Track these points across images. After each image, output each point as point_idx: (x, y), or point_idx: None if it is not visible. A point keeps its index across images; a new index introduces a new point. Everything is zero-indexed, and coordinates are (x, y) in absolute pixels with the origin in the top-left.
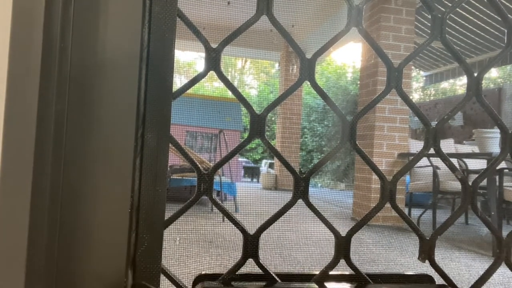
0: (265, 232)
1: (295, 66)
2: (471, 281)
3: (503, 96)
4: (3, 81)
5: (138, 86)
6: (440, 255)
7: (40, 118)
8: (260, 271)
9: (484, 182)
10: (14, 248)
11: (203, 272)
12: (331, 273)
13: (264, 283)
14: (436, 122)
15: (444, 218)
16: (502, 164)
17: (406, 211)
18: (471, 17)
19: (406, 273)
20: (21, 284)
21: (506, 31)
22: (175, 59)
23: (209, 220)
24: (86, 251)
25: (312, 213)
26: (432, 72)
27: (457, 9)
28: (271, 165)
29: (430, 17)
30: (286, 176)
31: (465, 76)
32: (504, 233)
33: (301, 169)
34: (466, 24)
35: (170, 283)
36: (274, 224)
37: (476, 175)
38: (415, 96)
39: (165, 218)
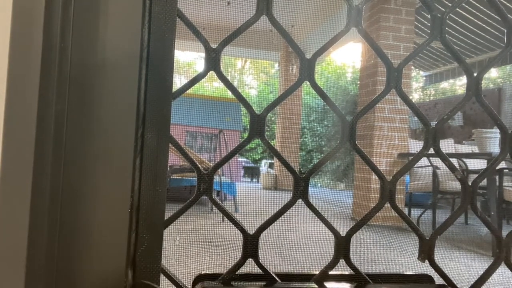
0: (264, 232)
1: (295, 66)
2: (470, 281)
3: (503, 96)
4: (3, 81)
5: (138, 86)
6: (439, 255)
7: (40, 118)
8: (260, 271)
9: (484, 182)
10: (14, 248)
11: (203, 272)
12: (330, 273)
13: (263, 283)
14: (436, 122)
15: (444, 218)
16: (502, 164)
17: (406, 211)
18: (471, 17)
19: (405, 273)
20: (21, 284)
21: (505, 31)
22: (175, 59)
23: (209, 220)
24: (86, 251)
25: (311, 213)
26: (432, 72)
27: (457, 9)
28: (271, 165)
29: (429, 17)
30: (286, 176)
31: (465, 76)
32: (504, 233)
33: (301, 169)
34: (466, 24)
35: (170, 283)
36: (273, 224)
37: (476, 175)
38: (415, 96)
39: (165, 218)
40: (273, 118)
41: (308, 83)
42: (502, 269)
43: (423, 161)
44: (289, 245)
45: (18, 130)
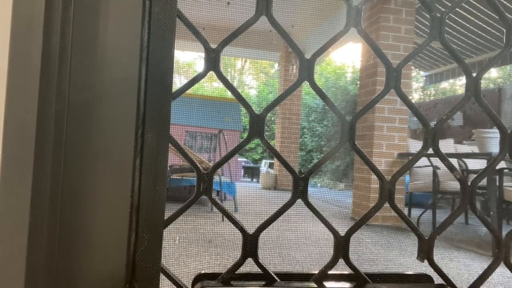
0: (264, 231)
1: (295, 67)
2: (470, 281)
3: (503, 96)
4: (3, 81)
5: (138, 86)
6: (439, 255)
7: (40, 118)
8: (259, 270)
9: (484, 182)
10: (14, 248)
11: (203, 272)
12: (330, 272)
13: (263, 283)
14: (435, 122)
15: (444, 218)
16: (502, 164)
17: (406, 211)
18: (470, 17)
19: (405, 272)
20: (21, 284)
21: (505, 31)
22: (174, 59)
23: (209, 220)
24: (86, 251)
25: (311, 212)
26: (432, 72)
27: (457, 9)
28: (270, 165)
29: (429, 17)
30: (285, 176)
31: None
32: (504, 233)
33: (301, 169)
34: (466, 24)
35: (169, 282)
36: (273, 223)
37: (476, 175)
38: (415, 96)
39: (165, 217)
40: (272, 118)
41: (308, 83)
42: (502, 269)
43: (423, 161)
44: (288, 244)
45: (18, 130)
